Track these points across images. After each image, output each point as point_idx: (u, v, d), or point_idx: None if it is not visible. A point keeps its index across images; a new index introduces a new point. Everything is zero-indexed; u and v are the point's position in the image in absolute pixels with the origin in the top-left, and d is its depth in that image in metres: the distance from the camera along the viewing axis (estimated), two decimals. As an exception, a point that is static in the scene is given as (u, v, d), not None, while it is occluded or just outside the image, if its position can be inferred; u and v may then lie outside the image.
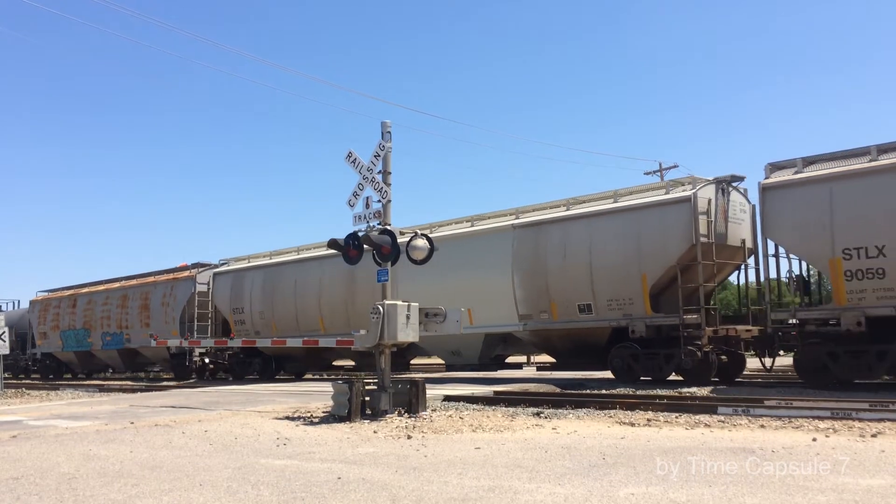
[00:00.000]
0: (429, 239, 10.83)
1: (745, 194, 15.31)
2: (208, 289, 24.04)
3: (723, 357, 14.87)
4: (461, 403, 11.13)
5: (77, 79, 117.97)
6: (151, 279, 26.25)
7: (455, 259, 16.29)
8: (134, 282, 27.06)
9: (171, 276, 25.44)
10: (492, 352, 17.34)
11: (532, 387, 14.12)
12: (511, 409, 10.18)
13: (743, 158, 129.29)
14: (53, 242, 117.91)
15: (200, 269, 24.51)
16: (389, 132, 10.44)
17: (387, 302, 9.88)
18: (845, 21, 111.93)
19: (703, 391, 12.61)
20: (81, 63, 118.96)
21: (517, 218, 16.73)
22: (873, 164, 12.20)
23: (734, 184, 14.96)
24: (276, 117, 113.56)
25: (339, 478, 5.57)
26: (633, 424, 8.43)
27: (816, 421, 8.02)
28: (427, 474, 5.65)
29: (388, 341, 9.76)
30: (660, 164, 37.54)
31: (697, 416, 8.77)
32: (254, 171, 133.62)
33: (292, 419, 9.69)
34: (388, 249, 10.15)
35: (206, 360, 24.03)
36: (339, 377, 19.67)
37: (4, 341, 19.75)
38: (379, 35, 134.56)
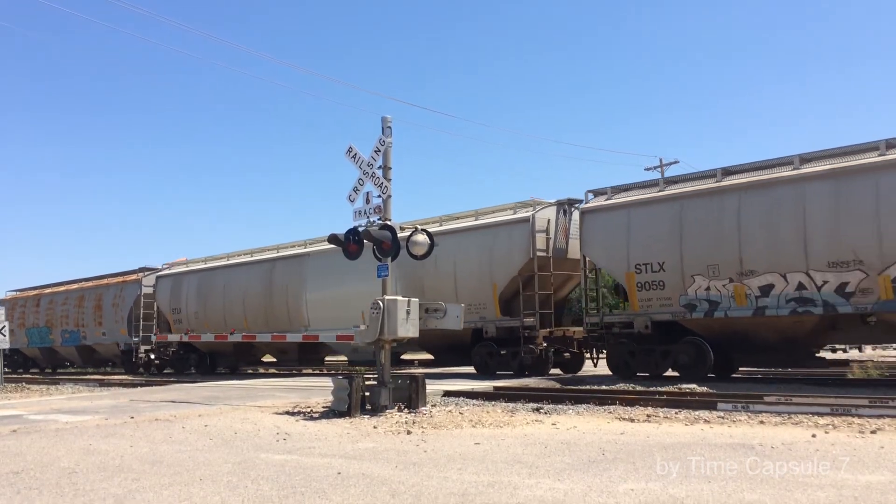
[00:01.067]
0: (429, 234, 10.82)
1: None
2: (153, 291, 26.06)
3: (566, 354, 17.18)
4: (461, 399, 11.14)
5: (76, 76, 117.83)
6: (104, 281, 28.41)
7: (350, 267, 18.59)
8: (89, 284, 29.25)
9: (120, 279, 27.70)
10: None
11: (532, 382, 14.14)
12: (511, 405, 10.18)
13: (744, 155, 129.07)
14: (53, 241, 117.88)
15: (146, 273, 26.64)
16: (390, 127, 10.42)
17: (387, 297, 9.87)
18: (847, 20, 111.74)
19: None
20: (80, 61, 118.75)
21: (401, 231, 18.08)
22: (659, 194, 14.77)
23: (575, 205, 16.96)
24: (280, 116, 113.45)
25: (339, 473, 5.57)
26: (632, 420, 8.44)
27: (816, 417, 8.03)
28: (427, 469, 5.66)
29: (388, 336, 9.75)
30: (660, 161, 37.56)
31: (697, 412, 8.78)
32: (257, 170, 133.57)
33: (292, 414, 9.70)
34: (388, 245, 10.14)
35: (152, 356, 25.64)
36: (339, 372, 20.14)
37: (5, 335, 19.72)
38: (382, 35, 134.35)
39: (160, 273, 26.21)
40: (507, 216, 17.04)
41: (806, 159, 13.19)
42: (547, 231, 16.43)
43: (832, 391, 11.33)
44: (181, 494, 4.98)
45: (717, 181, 13.93)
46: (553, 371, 16.82)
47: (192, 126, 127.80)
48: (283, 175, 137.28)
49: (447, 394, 11.70)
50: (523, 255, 16.21)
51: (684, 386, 12.77)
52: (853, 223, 12.24)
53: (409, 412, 9.49)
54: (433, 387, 11.70)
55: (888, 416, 7.92)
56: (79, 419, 9.75)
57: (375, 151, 10.38)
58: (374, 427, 8.29)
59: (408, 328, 9.82)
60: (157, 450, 6.94)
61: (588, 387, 13.14)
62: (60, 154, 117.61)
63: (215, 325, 23.20)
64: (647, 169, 37.64)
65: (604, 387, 13.00)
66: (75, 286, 29.78)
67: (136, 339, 25.74)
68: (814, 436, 6.83)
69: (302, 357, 22.60)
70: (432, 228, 17.33)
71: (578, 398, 10.40)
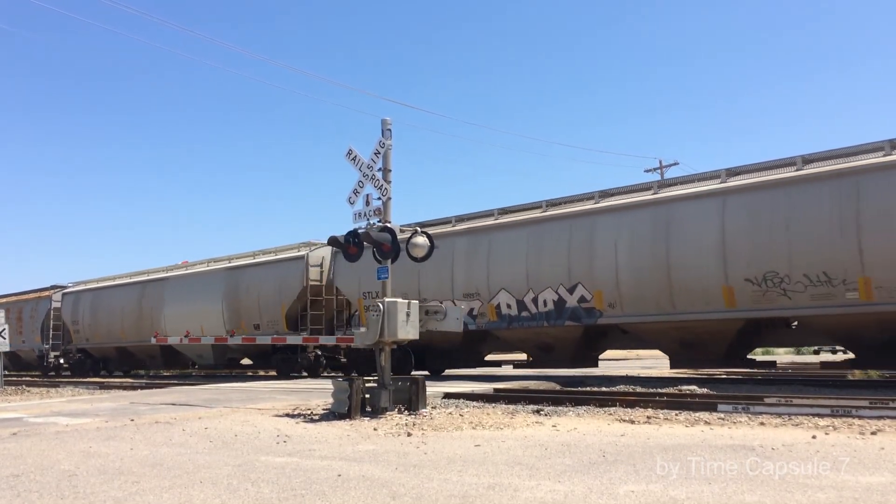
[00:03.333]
0: (429, 237, 10.82)
1: None
2: (60, 306, 30.81)
3: (342, 360, 21.18)
4: (461, 401, 11.13)
5: (73, 76, 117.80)
6: (24, 297, 33.45)
7: (196, 290, 24.51)
8: (13, 298, 34.01)
9: (36, 294, 32.62)
10: (223, 356, 24.17)
11: (532, 384, 14.14)
12: (511, 407, 10.18)
13: (744, 156, 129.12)
14: (52, 240, 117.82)
15: (56, 290, 31.42)
16: (390, 129, 10.42)
17: (387, 299, 9.87)
18: (847, 20, 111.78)
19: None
20: (77, 61, 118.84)
21: (230, 262, 24.39)
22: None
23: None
24: (277, 117, 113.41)
25: (340, 475, 5.57)
26: (632, 422, 8.43)
27: (816, 418, 8.02)
28: (427, 471, 5.65)
29: (388, 338, 9.75)
30: (660, 162, 37.61)
31: (697, 414, 8.77)
32: (254, 170, 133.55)
33: (292, 416, 9.70)
34: (388, 247, 10.14)
35: (61, 361, 30.51)
36: (339, 375, 20.85)
37: (5, 338, 19.71)
38: (380, 36, 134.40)
39: (65, 291, 31.13)
40: (292, 254, 21.95)
41: (460, 219, 18.32)
42: (321, 266, 21.10)
43: (832, 392, 11.33)
44: (181, 497, 4.97)
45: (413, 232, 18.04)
46: (336, 374, 21.06)
47: (189, 127, 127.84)
48: (281, 175, 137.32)
49: (447, 396, 11.70)
50: (299, 284, 20.87)
51: (685, 387, 12.79)
52: (476, 267, 17.18)
53: (410, 414, 9.48)
54: (433, 389, 11.71)
55: (888, 417, 7.92)
56: (79, 422, 9.74)
57: (375, 153, 10.37)
58: (375, 429, 8.29)
59: (408, 330, 9.82)
60: (158, 452, 6.94)
61: (588, 388, 13.14)
62: (58, 155, 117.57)
63: (103, 335, 28.20)
64: (647, 171, 37.64)
65: (604, 388, 13.00)
66: (3, 300, 34.09)
67: (47, 346, 30.26)
68: (814, 437, 6.83)
69: (168, 361, 27.11)
70: (247, 261, 23.57)
71: (579, 400, 10.40)
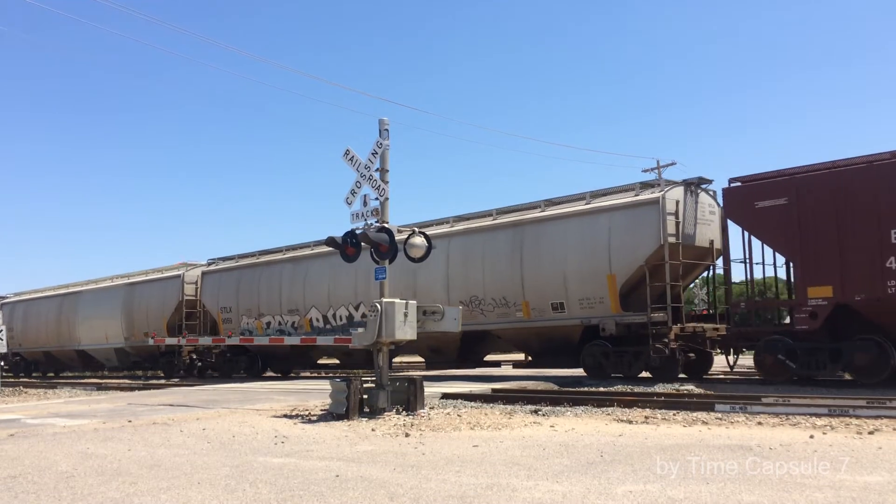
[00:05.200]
0: (426, 237, 10.80)
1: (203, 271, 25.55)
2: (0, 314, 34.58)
3: (194, 360, 24.76)
4: (459, 401, 11.12)
5: (70, 77, 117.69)
6: None
7: (102, 303, 28.12)
8: None
9: None
10: (127, 360, 27.76)
11: (530, 384, 14.13)
12: (509, 407, 10.18)
13: (743, 156, 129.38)
14: (49, 241, 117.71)
15: None
16: (387, 130, 10.40)
17: (385, 300, 9.85)
18: (847, 20, 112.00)
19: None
20: (74, 61, 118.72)
21: (129, 279, 28.08)
22: (234, 264, 23.93)
23: (206, 264, 25.68)
24: (272, 118, 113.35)
25: (338, 476, 5.57)
26: (630, 422, 8.44)
27: (814, 418, 8.04)
28: (425, 472, 5.65)
29: (385, 339, 9.74)
30: (657, 162, 37.54)
31: (695, 414, 8.78)
32: (253, 171, 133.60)
33: (290, 417, 9.69)
34: (385, 247, 10.12)
35: (2, 363, 32.64)
36: (337, 375, 21.16)
37: (2, 339, 19.66)
38: (377, 36, 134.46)
39: (4, 301, 35.03)
40: (172, 273, 25.74)
41: (290, 248, 22.51)
42: (197, 283, 24.91)
43: (830, 392, 11.34)
44: (179, 498, 4.97)
45: (255, 259, 23.24)
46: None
47: (186, 128, 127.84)
48: (278, 175, 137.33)
49: (445, 396, 11.70)
50: (176, 299, 24.65)
51: (683, 387, 12.80)
52: (297, 288, 21.10)
53: (408, 414, 9.48)
54: (431, 389, 11.70)
55: (886, 416, 7.93)
56: (76, 423, 9.72)
57: (373, 154, 10.36)
58: (373, 430, 8.28)
59: (405, 330, 9.80)
60: (155, 453, 6.93)
61: (586, 388, 13.13)
62: (55, 154, 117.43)
63: (32, 340, 31.99)
64: (645, 171, 37.62)
65: (601, 389, 13.00)
66: None
67: None
68: (812, 437, 6.84)
69: (84, 364, 30.01)
70: (142, 279, 27.03)
71: (576, 400, 10.40)
